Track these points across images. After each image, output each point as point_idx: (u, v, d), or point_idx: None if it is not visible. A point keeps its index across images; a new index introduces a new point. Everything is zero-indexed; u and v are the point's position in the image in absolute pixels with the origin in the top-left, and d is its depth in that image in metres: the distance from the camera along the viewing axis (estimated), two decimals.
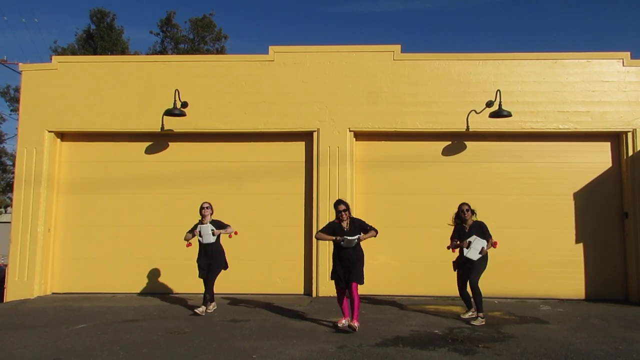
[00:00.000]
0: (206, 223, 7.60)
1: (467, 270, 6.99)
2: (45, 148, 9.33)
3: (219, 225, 7.66)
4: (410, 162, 9.38)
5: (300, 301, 8.53)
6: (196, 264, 7.64)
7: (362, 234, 6.47)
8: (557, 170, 9.23)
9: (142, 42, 59.70)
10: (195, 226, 7.65)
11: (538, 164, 9.28)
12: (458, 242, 7.06)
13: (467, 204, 7.11)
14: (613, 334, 6.42)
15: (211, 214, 7.69)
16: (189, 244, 7.69)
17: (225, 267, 7.82)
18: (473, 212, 7.10)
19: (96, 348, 5.68)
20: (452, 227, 7.23)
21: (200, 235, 7.61)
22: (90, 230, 9.44)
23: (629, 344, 5.88)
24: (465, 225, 7.04)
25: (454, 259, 7.22)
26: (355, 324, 6.29)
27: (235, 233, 7.72)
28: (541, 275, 8.91)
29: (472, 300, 7.06)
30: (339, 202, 6.59)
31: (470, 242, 6.90)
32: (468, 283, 7.01)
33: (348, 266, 6.42)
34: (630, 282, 8.89)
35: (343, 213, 6.46)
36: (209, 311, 7.54)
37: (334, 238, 6.48)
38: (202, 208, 7.66)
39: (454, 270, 7.24)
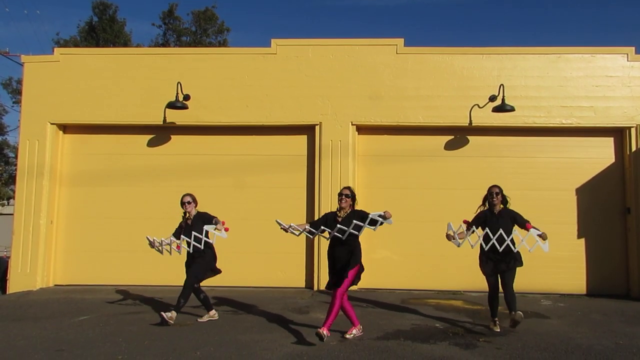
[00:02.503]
0: (190, 220, 6.57)
1: (502, 272, 6.09)
2: (47, 140, 9.34)
3: (204, 218, 6.55)
4: (413, 156, 9.36)
5: (302, 294, 8.56)
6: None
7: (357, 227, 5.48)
8: (559, 166, 9.21)
9: (145, 34, 59.69)
10: (178, 231, 6.59)
11: (541, 159, 9.26)
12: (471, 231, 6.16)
13: (498, 187, 6.28)
14: (614, 329, 6.43)
15: (195, 207, 6.70)
16: (178, 247, 6.56)
17: (214, 269, 6.64)
18: (504, 199, 6.29)
19: (98, 339, 5.70)
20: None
21: (186, 245, 6.37)
22: (92, 222, 9.46)
23: (630, 339, 5.89)
24: (495, 210, 6.23)
25: (481, 254, 6.26)
26: (324, 331, 5.34)
27: (227, 229, 6.48)
28: (542, 270, 8.89)
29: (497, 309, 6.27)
30: (343, 188, 5.97)
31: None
32: (502, 287, 6.13)
33: (337, 268, 5.60)
34: (631, 278, 8.89)
35: (339, 197, 5.79)
36: (201, 320, 6.53)
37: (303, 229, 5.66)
38: (182, 203, 6.62)
39: (482, 268, 6.27)
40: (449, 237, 6.20)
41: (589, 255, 9.06)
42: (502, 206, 6.28)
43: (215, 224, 6.46)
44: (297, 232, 5.75)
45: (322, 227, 5.76)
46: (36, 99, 9.43)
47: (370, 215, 5.54)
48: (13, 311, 7.42)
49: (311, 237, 5.86)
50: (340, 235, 5.56)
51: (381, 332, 6.01)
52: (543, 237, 5.93)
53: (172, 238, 6.59)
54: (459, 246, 6.19)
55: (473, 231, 6.22)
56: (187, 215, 6.66)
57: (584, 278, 9.01)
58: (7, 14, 47.54)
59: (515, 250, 6.01)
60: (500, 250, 5.94)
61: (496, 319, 6.28)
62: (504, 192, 6.32)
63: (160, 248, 6.55)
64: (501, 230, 5.90)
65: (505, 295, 6.17)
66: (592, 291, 8.95)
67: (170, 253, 6.60)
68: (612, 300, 8.44)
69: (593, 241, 9.08)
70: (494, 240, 5.93)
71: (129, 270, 9.29)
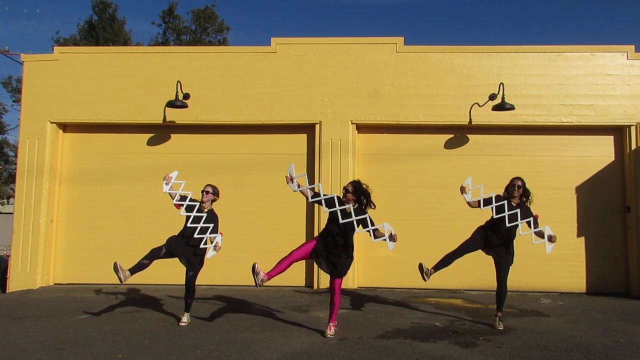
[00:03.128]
0: (205, 209, 6.39)
1: (498, 262, 6.21)
2: (47, 139, 9.34)
3: (214, 220, 6.35)
4: (412, 155, 9.36)
5: (302, 293, 8.56)
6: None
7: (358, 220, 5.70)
8: (559, 164, 9.21)
9: (145, 33, 59.66)
10: (190, 206, 6.29)
11: (540, 158, 9.26)
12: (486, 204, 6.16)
13: (521, 180, 6.19)
14: (613, 327, 6.44)
15: (212, 201, 6.52)
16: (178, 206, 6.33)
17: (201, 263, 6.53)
18: (526, 194, 6.19)
19: (98, 338, 5.71)
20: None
21: (187, 210, 6.23)
22: (92, 221, 9.47)
23: (630, 337, 5.89)
24: (513, 202, 6.15)
25: (483, 226, 6.35)
26: (331, 330, 5.73)
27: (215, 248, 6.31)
28: (542, 269, 8.91)
29: None
30: (349, 182, 5.95)
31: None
32: (497, 281, 6.21)
33: (332, 257, 5.69)
34: (631, 276, 8.89)
35: (344, 190, 5.80)
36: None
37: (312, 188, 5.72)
38: (202, 191, 6.48)
39: (478, 237, 6.29)
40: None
41: (589, 254, 9.06)
42: (522, 200, 6.26)
43: (215, 247, 6.29)
44: (295, 188, 5.77)
45: (322, 199, 5.77)
46: (36, 97, 9.43)
47: (368, 221, 5.84)
48: (13, 310, 7.43)
49: (309, 199, 5.85)
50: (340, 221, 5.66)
51: (381, 331, 6.01)
52: (553, 239, 6.04)
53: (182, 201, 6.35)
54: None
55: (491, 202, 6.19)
56: (202, 204, 6.45)
57: (583, 276, 9.02)
58: (7, 12, 47.50)
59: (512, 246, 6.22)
60: (508, 225, 6.03)
61: (432, 269, 6.42)
62: (499, 189, 6.42)
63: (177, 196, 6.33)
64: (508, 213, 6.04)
65: (498, 291, 6.26)
66: (591, 289, 8.95)
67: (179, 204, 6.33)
68: (611, 299, 8.45)
69: (593, 239, 9.08)
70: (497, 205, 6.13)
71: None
